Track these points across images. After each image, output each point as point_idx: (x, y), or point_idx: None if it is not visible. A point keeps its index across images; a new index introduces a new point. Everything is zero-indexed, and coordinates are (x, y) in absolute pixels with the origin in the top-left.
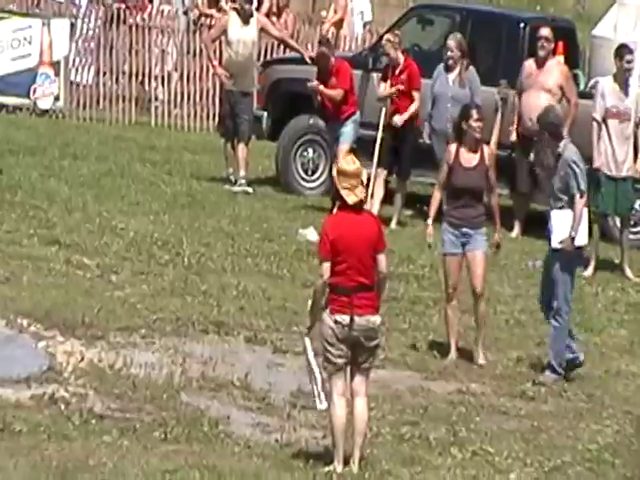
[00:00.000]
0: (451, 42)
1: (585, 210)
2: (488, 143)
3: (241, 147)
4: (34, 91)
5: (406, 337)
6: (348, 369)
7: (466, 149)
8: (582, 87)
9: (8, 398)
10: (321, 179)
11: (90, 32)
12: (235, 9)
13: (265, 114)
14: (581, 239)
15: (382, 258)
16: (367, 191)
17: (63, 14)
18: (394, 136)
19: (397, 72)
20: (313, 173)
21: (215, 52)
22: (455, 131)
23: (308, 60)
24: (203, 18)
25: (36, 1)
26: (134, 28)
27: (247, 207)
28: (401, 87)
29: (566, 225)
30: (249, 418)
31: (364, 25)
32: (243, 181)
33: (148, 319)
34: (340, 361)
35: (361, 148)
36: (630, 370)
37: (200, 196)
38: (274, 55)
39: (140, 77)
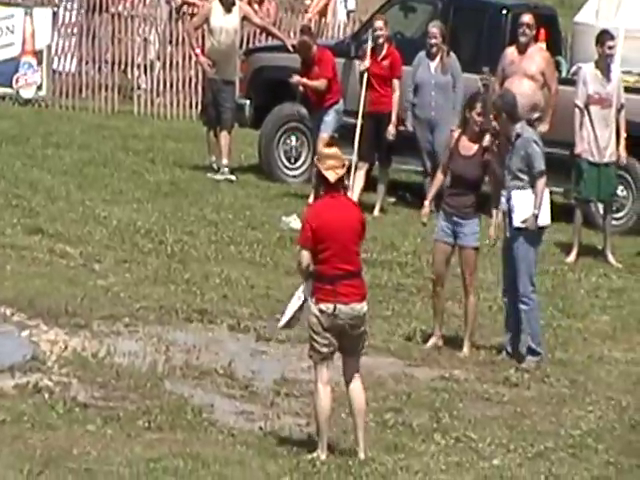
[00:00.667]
0: (434, 29)
1: (547, 190)
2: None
3: (224, 135)
4: (17, 80)
5: (389, 324)
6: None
7: (467, 137)
8: (564, 74)
9: None
10: (304, 167)
11: (72, 20)
12: None
13: (248, 102)
14: (544, 219)
15: None
16: (348, 177)
17: (45, 3)
18: (376, 124)
19: (379, 59)
20: (296, 161)
21: (197, 40)
22: (460, 118)
23: (290, 48)
24: (185, 6)
25: None
26: (116, 17)
27: (230, 195)
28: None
29: (528, 204)
30: (233, 406)
31: (347, 13)
32: (226, 169)
33: (131, 308)
34: (326, 350)
35: (344, 136)
36: (613, 356)
37: (183, 184)
38: (256, 43)
39: (123, 66)
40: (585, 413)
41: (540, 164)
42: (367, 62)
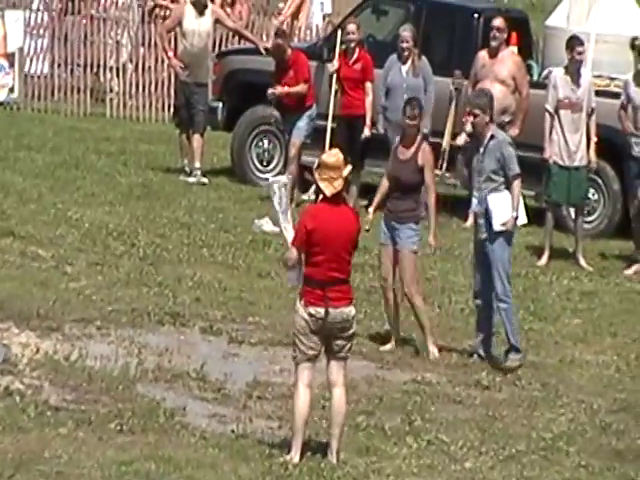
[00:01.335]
0: (405, 33)
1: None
2: (442, 133)
3: (196, 138)
4: None
5: (362, 327)
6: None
7: (404, 141)
8: (536, 77)
9: None
10: (276, 170)
11: (44, 23)
12: (190, 0)
13: (220, 105)
14: (522, 218)
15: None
16: (347, 187)
17: (17, 5)
18: (348, 127)
19: (351, 62)
20: (268, 164)
21: (170, 43)
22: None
23: (263, 51)
24: (157, 9)
25: None
26: (88, 19)
27: (202, 198)
28: (336, 65)
29: (505, 206)
30: (205, 409)
31: (323, 17)
32: (198, 172)
33: (103, 310)
34: (311, 352)
35: (316, 139)
36: (584, 358)
37: (155, 187)
38: (229, 46)
39: (95, 68)
40: (557, 416)
41: (516, 166)
42: (335, 63)
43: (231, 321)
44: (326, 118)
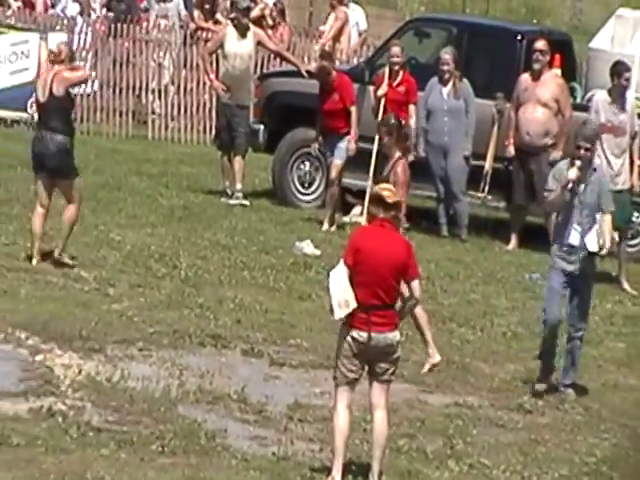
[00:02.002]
0: (446, 55)
1: None
2: (484, 155)
3: (237, 160)
4: (32, 105)
5: (403, 350)
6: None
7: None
8: (579, 100)
9: (6, 411)
10: (317, 192)
11: (87, 45)
12: (232, 22)
13: (262, 127)
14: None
15: (415, 285)
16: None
17: (60, 28)
18: None
19: (395, 84)
20: (309, 186)
21: (211, 65)
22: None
23: (304, 73)
24: (200, 31)
25: (33, 16)
26: (131, 41)
27: (244, 220)
28: (385, 89)
29: (599, 231)
30: (246, 431)
31: (359, 34)
32: (240, 194)
33: (145, 332)
34: (351, 375)
35: (359, 161)
36: (628, 383)
37: (197, 209)
38: (270, 68)
39: (137, 90)
40: (600, 440)
41: (611, 202)
42: (385, 87)
43: (272, 343)
44: (369, 140)
